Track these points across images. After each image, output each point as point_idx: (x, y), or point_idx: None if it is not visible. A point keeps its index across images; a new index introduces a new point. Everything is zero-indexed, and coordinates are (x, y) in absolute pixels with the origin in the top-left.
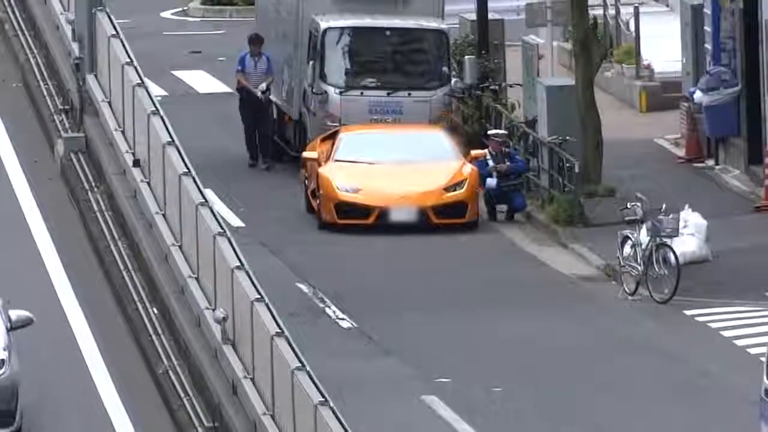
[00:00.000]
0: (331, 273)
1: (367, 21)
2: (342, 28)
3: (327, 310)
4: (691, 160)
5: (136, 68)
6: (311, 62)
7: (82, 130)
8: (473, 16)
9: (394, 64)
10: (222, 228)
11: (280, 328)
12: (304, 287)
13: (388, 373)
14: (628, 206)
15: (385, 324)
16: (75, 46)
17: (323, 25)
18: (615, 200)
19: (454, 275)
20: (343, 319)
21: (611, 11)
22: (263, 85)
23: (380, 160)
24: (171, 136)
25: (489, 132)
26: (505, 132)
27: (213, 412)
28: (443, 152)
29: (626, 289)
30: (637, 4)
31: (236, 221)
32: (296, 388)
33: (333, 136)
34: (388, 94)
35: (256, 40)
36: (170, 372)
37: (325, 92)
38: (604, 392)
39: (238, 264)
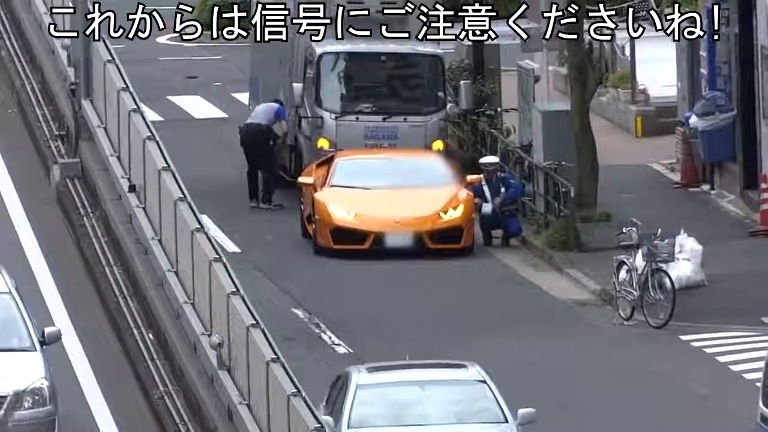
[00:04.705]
0: (327, 298)
1: (362, 46)
2: (337, 53)
3: (323, 335)
4: (686, 185)
5: (131, 94)
6: (301, 86)
7: (77, 156)
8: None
9: (389, 89)
10: (218, 253)
11: (276, 354)
12: (299, 312)
13: None
14: (624, 231)
15: (381, 349)
16: (71, 72)
17: (319, 50)
18: (611, 225)
19: (450, 300)
20: (338, 344)
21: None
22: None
23: (376, 186)
24: (166, 162)
25: (480, 160)
26: (497, 159)
27: None
28: (439, 177)
29: (622, 314)
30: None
31: (232, 247)
32: (292, 414)
33: (328, 162)
34: (384, 119)
35: None
36: (166, 397)
37: (321, 117)
38: (600, 417)
39: (234, 289)
